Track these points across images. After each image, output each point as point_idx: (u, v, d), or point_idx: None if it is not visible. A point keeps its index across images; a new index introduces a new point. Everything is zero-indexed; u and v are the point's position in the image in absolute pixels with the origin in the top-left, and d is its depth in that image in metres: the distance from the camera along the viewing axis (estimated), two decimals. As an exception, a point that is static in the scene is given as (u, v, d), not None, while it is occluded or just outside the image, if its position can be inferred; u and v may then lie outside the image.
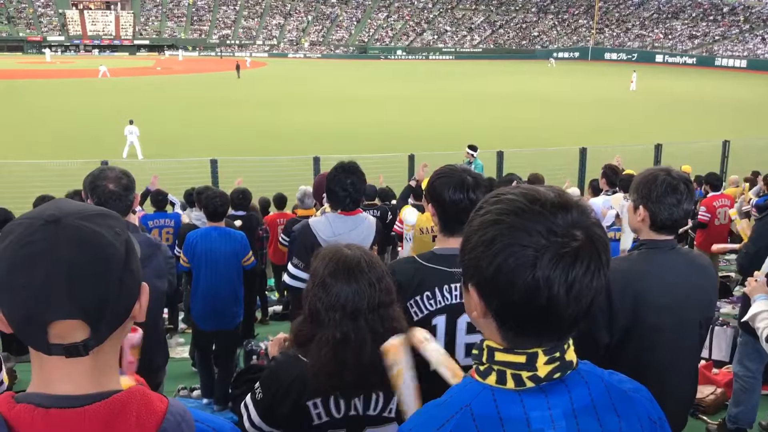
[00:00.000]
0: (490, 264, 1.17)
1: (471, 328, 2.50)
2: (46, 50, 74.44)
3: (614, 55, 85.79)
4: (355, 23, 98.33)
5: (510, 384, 1.22)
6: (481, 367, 1.26)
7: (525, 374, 1.22)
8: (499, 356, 1.24)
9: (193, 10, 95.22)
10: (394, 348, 1.96)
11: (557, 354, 1.23)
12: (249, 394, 2.23)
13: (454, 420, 1.21)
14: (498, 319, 1.23)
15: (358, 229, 3.83)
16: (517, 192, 1.22)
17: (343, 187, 3.77)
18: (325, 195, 4.22)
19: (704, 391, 5.28)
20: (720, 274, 8.64)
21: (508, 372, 1.23)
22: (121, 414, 1.10)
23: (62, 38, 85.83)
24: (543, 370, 1.22)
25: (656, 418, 1.34)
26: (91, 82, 46.09)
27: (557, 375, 1.23)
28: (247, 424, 2.20)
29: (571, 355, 1.26)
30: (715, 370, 5.74)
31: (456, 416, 1.22)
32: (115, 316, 1.14)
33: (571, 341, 1.27)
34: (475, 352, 1.29)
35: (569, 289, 1.15)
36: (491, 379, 1.24)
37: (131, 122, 20.64)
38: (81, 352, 1.10)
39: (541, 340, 1.22)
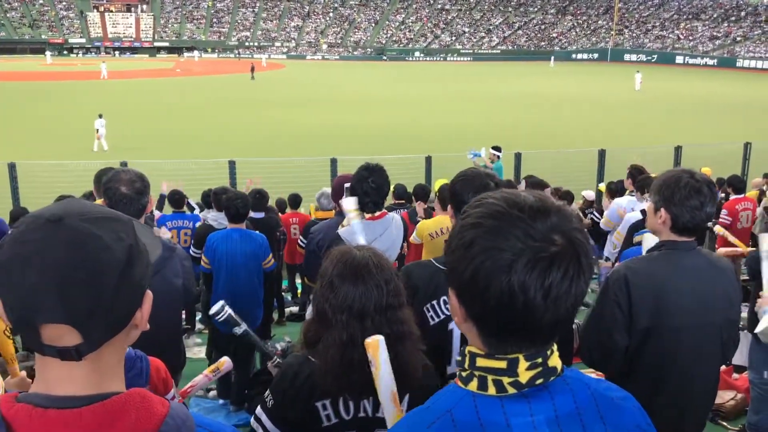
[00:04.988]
0: (467, 267, 1.16)
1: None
2: (47, 53, 73.89)
3: (634, 57, 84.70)
4: (373, 25, 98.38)
5: (491, 390, 1.21)
6: (464, 374, 1.25)
7: (506, 380, 1.20)
8: (481, 362, 1.22)
9: (213, 12, 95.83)
10: (374, 344, 1.92)
11: (539, 360, 1.21)
12: (260, 405, 2.20)
13: (435, 426, 1.21)
14: (478, 324, 1.22)
15: (387, 232, 3.83)
16: (498, 196, 1.21)
17: (364, 189, 3.76)
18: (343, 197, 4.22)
19: (724, 397, 5.21)
20: (742, 277, 8.50)
21: (489, 378, 1.21)
22: (118, 415, 1.08)
23: (83, 40, 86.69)
24: (524, 376, 1.20)
25: (645, 426, 1.32)
26: (98, 83, 46.51)
27: (539, 381, 1.21)
28: None
29: (554, 361, 1.24)
30: (735, 375, 5.66)
31: (437, 422, 1.21)
32: (110, 324, 1.11)
33: (555, 347, 1.25)
34: (458, 358, 1.28)
35: (546, 294, 1.13)
36: (473, 386, 1.23)
37: (100, 116, 21.62)
38: (74, 356, 1.08)
39: (521, 346, 1.20)
